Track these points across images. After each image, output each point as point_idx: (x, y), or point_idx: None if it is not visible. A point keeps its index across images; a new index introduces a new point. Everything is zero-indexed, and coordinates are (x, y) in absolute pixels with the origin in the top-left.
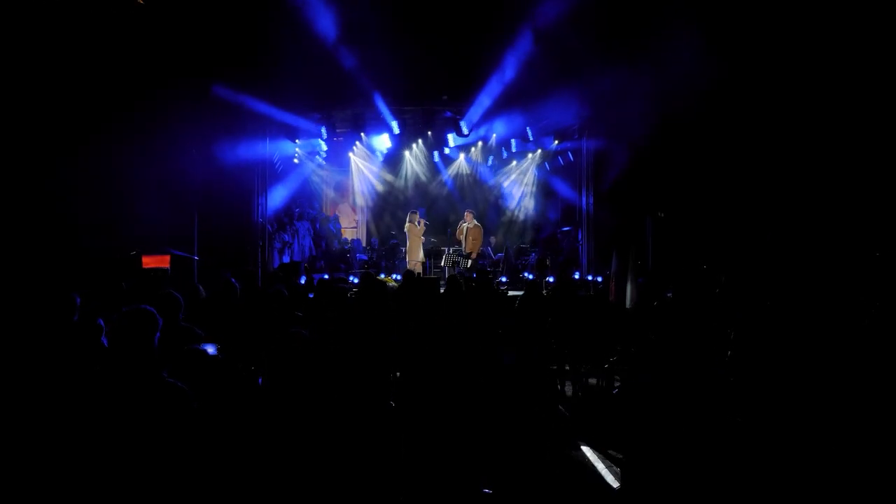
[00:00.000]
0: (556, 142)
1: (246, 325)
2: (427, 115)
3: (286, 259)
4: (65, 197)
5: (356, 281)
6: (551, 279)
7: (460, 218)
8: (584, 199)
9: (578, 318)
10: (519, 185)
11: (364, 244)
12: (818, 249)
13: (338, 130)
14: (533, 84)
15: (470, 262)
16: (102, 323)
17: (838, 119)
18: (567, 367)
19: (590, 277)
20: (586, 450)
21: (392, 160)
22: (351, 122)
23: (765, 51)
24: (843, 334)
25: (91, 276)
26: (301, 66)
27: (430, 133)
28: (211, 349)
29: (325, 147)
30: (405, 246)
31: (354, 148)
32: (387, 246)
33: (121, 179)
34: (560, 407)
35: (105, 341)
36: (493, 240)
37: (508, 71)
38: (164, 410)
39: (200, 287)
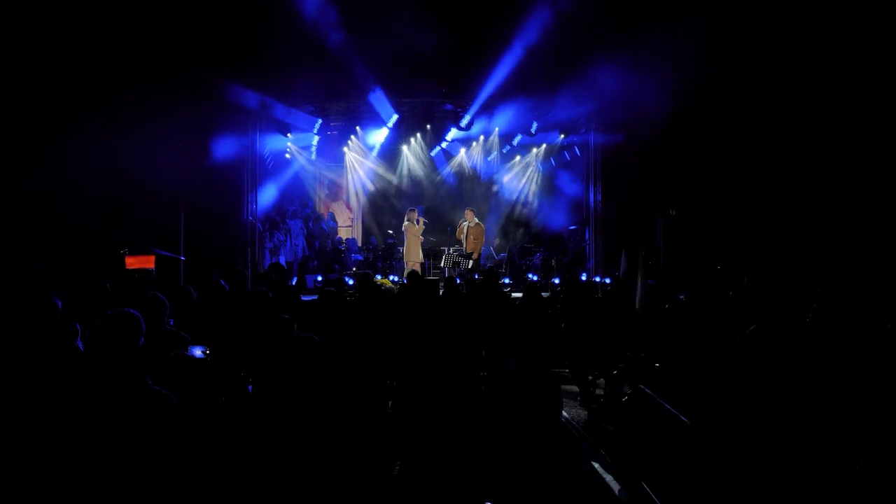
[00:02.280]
0: (562, 136)
1: (234, 329)
2: (426, 108)
3: (282, 259)
4: (43, 195)
5: (351, 282)
6: (556, 280)
7: (461, 216)
8: (591, 196)
9: (586, 321)
10: (523, 181)
11: (359, 244)
12: (843, 250)
13: (332, 124)
14: (538, 75)
15: (471, 262)
16: (79, 327)
17: (870, 111)
18: (571, 374)
19: (597, 279)
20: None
21: (389, 155)
22: (345, 115)
23: (786, 36)
24: (867, 340)
25: (73, 277)
26: (293, 56)
27: (429, 127)
28: (198, 352)
29: (317, 140)
30: (402, 246)
31: (349, 142)
32: (383, 246)
33: (103, 176)
34: (565, 414)
35: (80, 345)
36: (496, 240)
37: (512, 61)
38: (149, 419)
39: (191, 289)
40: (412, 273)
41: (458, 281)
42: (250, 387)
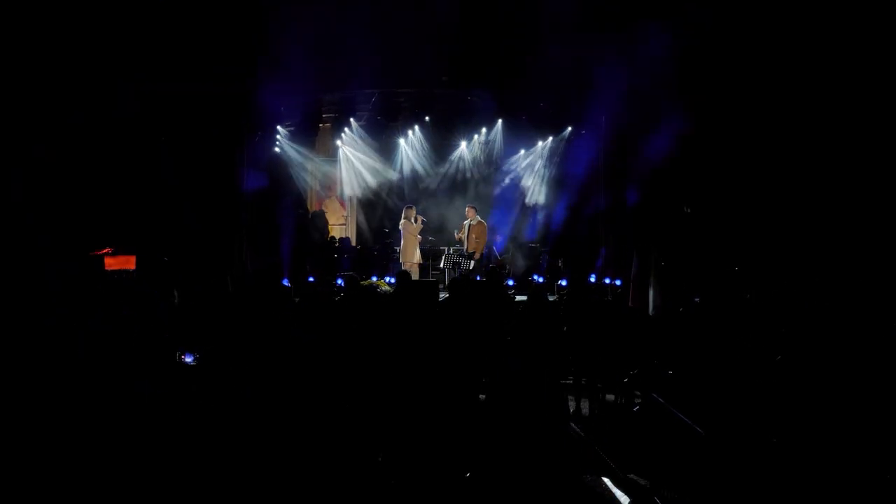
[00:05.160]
0: (570, 127)
1: (226, 333)
2: (425, 99)
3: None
4: (19, 192)
5: (344, 284)
6: (564, 282)
7: (461, 214)
8: (601, 192)
9: (594, 326)
10: (528, 176)
11: (353, 242)
12: (871, 250)
13: (325, 115)
14: (545, 63)
15: (473, 262)
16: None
17: None
18: (583, 381)
19: (607, 281)
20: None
21: (385, 149)
22: (339, 105)
23: (816, 21)
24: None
25: (51, 278)
26: (284, 43)
27: (427, 118)
28: (188, 358)
29: (310, 134)
30: (399, 246)
31: (343, 135)
32: (379, 245)
33: (79, 172)
34: (573, 426)
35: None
36: (498, 238)
37: (517, 48)
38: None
39: (175, 292)
40: (402, 273)
41: (458, 278)
42: (243, 391)
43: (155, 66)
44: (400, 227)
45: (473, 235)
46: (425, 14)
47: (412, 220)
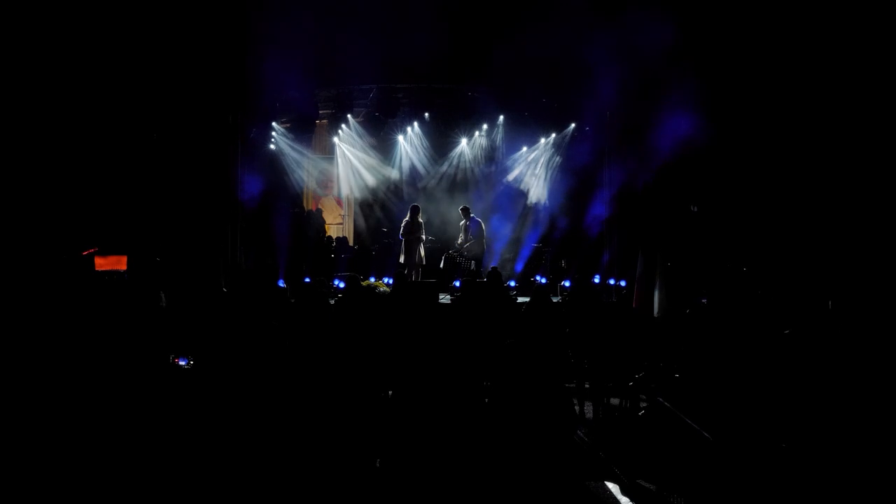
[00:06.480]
0: (574, 124)
1: (221, 334)
2: (424, 95)
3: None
4: (15, 192)
5: (341, 285)
6: (567, 283)
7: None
8: (605, 190)
9: (599, 328)
10: (531, 174)
11: (350, 242)
12: (883, 251)
13: (321, 112)
14: (548, 58)
15: (473, 263)
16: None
17: None
18: (587, 385)
19: (612, 281)
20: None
21: (384, 146)
22: (336, 101)
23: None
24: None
25: (38, 279)
26: (280, 36)
27: (427, 115)
28: (182, 361)
29: (307, 131)
30: (399, 246)
31: (340, 132)
32: (377, 245)
33: (69, 168)
34: (578, 432)
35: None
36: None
37: (520, 41)
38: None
39: (162, 294)
40: (398, 273)
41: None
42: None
43: (149, 61)
44: (401, 226)
45: (470, 235)
46: (425, 8)
47: (414, 220)
